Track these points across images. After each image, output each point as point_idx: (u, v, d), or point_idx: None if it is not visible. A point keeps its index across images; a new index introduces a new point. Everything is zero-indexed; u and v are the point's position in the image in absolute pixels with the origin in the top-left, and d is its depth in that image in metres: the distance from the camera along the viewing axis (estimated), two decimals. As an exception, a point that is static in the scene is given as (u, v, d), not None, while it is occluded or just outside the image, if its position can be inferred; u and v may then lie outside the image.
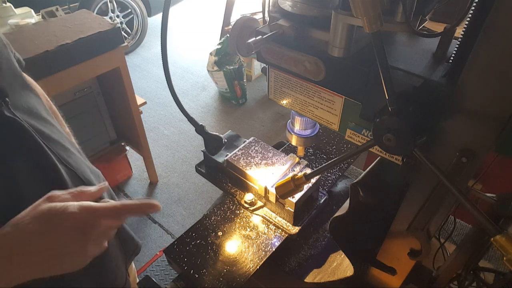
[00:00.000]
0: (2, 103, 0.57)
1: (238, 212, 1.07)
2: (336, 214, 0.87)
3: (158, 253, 2.03)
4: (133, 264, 1.07)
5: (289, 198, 0.93)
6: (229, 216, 1.06)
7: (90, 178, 0.74)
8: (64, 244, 0.49)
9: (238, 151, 1.13)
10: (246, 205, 1.06)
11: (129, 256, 0.89)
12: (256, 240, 0.99)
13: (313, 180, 1.02)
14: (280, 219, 1.03)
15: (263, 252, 0.96)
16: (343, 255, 0.94)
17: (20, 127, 0.59)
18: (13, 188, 0.58)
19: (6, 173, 0.57)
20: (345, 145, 1.30)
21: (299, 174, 0.76)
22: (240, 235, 1.01)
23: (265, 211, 1.05)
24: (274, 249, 0.96)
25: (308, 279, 0.98)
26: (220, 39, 3.29)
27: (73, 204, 0.50)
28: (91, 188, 0.58)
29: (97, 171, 0.85)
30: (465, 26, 0.54)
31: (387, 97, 0.52)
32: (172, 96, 0.93)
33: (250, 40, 0.66)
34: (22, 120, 0.60)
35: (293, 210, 0.97)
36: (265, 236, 1.00)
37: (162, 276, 1.93)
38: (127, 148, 2.37)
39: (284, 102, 0.82)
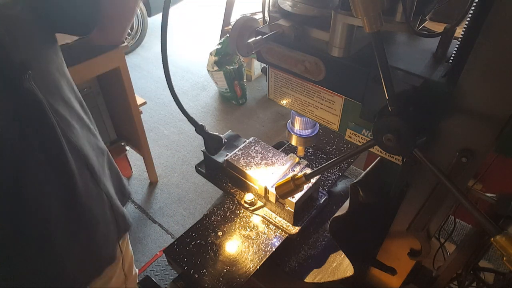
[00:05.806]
0: (22, 76, 0.62)
1: (238, 212, 1.07)
2: (336, 214, 0.87)
3: (158, 253, 2.03)
4: (130, 249, 1.12)
5: (289, 198, 0.93)
6: (229, 216, 1.06)
7: (88, 153, 0.81)
8: None
9: (238, 151, 1.13)
10: (246, 205, 1.06)
11: (121, 231, 0.97)
12: (256, 240, 0.99)
13: (313, 180, 1.02)
14: (280, 219, 1.03)
15: (263, 252, 0.96)
16: (343, 255, 0.94)
17: (36, 100, 0.66)
18: (20, 153, 0.65)
19: (16, 142, 0.65)
20: (345, 145, 1.30)
21: (299, 174, 0.76)
22: (240, 235, 1.01)
23: (265, 211, 1.05)
24: (274, 249, 0.96)
25: (308, 279, 0.98)
26: (220, 39, 3.29)
27: None
28: None
29: (101, 148, 0.91)
30: (465, 26, 0.54)
31: (387, 97, 0.52)
32: (172, 96, 0.93)
33: (250, 40, 0.66)
34: (38, 93, 0.65)
35: (293, 210, 0.97)
36: (265, 236, 1.00)
37: (162, 276, 1.93)
38: (127, 148, 2.37)
39: (284, 102, 0.82)
